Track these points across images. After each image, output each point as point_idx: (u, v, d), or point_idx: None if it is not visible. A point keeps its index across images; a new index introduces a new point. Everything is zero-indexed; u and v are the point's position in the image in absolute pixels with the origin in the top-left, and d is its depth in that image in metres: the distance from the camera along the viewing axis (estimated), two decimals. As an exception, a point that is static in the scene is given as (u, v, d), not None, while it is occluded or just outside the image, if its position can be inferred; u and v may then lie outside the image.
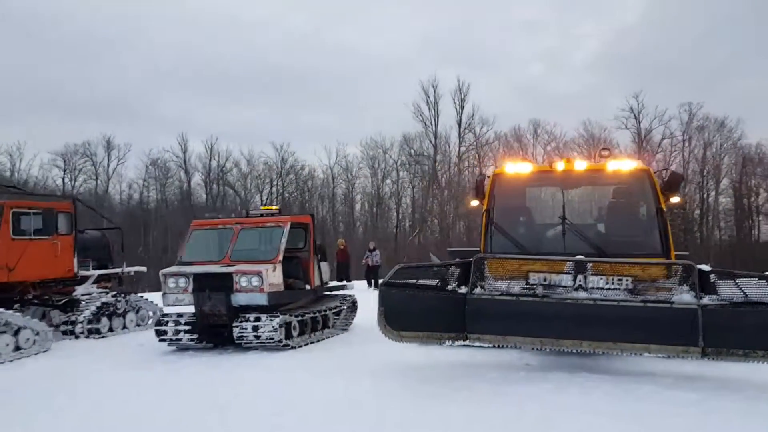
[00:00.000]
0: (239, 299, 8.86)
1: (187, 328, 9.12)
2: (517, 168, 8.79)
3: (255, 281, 8.70)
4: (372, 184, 53.58)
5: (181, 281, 9.00)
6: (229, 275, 8.83)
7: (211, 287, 8.87)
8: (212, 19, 70.11)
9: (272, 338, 8.76)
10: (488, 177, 9.05)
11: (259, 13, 68.85)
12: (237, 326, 8.83)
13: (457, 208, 48.41)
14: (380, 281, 7.24)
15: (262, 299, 8.76)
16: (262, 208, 11.00)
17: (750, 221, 46.75)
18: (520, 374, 7.36)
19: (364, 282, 21.50)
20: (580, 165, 8.66)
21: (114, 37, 66.16)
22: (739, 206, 46.53)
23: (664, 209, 8.16)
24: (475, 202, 9.42)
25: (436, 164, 50.69)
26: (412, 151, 51.70)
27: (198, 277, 8.98)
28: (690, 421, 5.45)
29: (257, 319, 8.81)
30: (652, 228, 8.15)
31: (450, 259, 12.00)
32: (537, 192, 9.42)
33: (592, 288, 7.06)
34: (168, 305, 9.21)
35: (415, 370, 7.89)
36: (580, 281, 7.12)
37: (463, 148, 50.89)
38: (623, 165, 8.53)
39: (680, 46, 60.08)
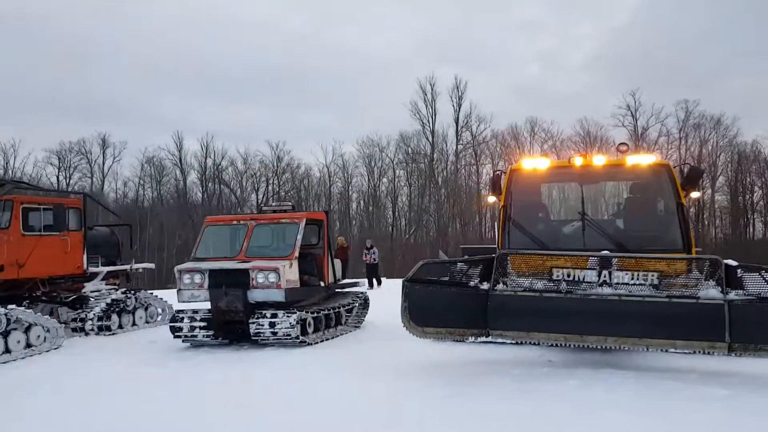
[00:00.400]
0: (256, 295, 8.77)
1: (202, 324, 9.04)
2: (534, 163, 8.73)
3: (272, 277, 8.61)
4: (368, 183, 53.53)
5: (197, 277, 8.90)
6: (246, 271, 8.74)
7: (228, 283, 8.78)
8: (211, 18, 69.80)
9: (289, 335, 8.68)
10: (504, 173, 8.98)
11: (257, 13, 68.63)
12: (254, 322, 8.74)
13: (453, 206, 48.45)
14: (404, 279, 7.14)
15: (279, 296, 8.67)
16: (274, 204, 10.89)
17: (745, 219, 46.98)
18: (543, 371, 7.30)
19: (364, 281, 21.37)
20: (599, 160, 8.59)
21: (111, 35, 65.82)
22: (734, 204, 46.72)
23: (685, 204, 8.11)
24: (492, 198, 9.36)
25: (433, 162, 50.66)
26: (409, 150, 51.69)
27: (214, 273, 8.88)
28: (718, 417, 5.39)
29: (274, 316, 8.73)
30: (673, 223, 8.08)
31: (462, 256, 11.99)
32: (555, 188, 9.35)
33: (617, 284, 7.00)
34: (183, 301, 9.08)
35: (433, 367, 7.83)
36: (604, 277, 7.06)
37: (460, 147, 50.90)
38: (642, 160, 8.47)
39: (676, 45, 60.21)
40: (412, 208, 51.98)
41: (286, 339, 8.74)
